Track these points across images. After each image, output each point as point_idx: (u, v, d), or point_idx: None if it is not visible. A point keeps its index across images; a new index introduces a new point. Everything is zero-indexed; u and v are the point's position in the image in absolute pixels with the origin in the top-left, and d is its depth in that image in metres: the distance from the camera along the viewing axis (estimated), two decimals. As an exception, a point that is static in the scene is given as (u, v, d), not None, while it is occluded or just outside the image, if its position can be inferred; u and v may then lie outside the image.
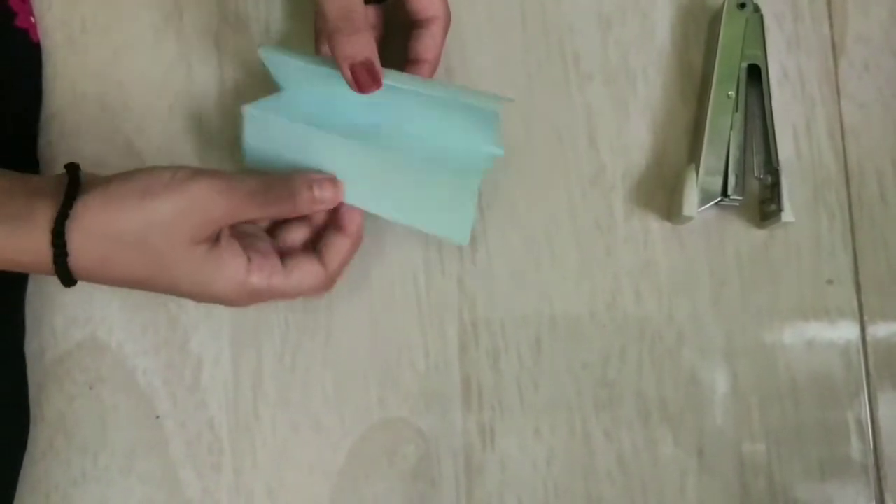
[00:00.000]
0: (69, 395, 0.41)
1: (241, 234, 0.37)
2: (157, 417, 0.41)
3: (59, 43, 0.44)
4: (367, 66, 0.35)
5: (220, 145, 0.43)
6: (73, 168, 0.35)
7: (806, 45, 0.44)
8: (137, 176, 0.34)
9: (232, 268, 0.35)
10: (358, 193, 0.37)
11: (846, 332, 0.42)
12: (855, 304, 0.42)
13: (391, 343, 0.42)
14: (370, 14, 0.39)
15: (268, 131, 0.37)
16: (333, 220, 0.38)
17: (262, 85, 0.43)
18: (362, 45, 0.34)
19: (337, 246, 0.37)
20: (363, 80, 0.35)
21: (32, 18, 0.43)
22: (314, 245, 0.38)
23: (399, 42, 0.40)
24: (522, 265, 0.42)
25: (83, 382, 0.41)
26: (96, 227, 0.33)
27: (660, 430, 0.41)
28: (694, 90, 0.44)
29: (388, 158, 0.36)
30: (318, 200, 0.36)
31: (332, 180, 0.37)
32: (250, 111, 0.37)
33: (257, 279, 0.35)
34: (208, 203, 0.33)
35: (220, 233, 0.35)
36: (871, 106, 0.44)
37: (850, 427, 0.41)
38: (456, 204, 0.36)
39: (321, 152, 0.37)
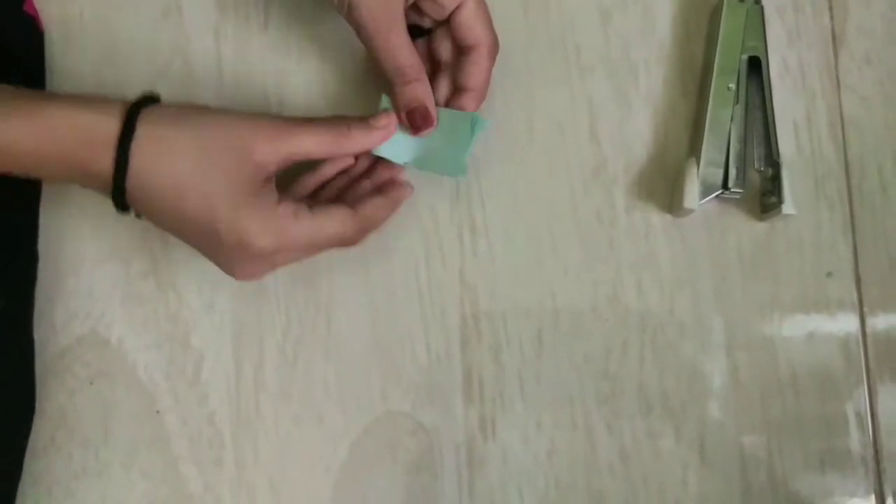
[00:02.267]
0: (70, 390, 0.41)
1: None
2: (158, 412, 0.41)
3: (56, 35, 0.43)
4: (421, 112, 0.38)
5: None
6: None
7: (807, 37, 0.44)
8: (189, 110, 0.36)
9: (264, 195, 0.35)
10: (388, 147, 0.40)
11: (846, 324, 0.42)
12: (855, 296, 0.43)
13: (393, 336, 0.42)
14: (417, 48, 0.40)
15: None
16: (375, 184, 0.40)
17: (260, 79, 0.43)
18: (417, 93, 0.38)
19: (373, 199, 0.38)
20: (417, 123, 0.38)
21: (37, 7, 0.43)
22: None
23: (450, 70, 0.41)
24: (524, 258, 0.42)
25: (84, 377, 0.41)
26: (162, 118, 0.34)
27: (661, 423, 0.41)
28: (695, 83, 0.44)
29: None
30: (373, 127, 0.38)
31: (388, 113, 0.38)
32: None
33: (283, 211, 0.36)
34: (271, 124, 0.35)
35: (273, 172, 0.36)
36: (871, 98, 0.44)
37: (849, 419, 0.41)
38: (454, 140, 0.39)
39: None
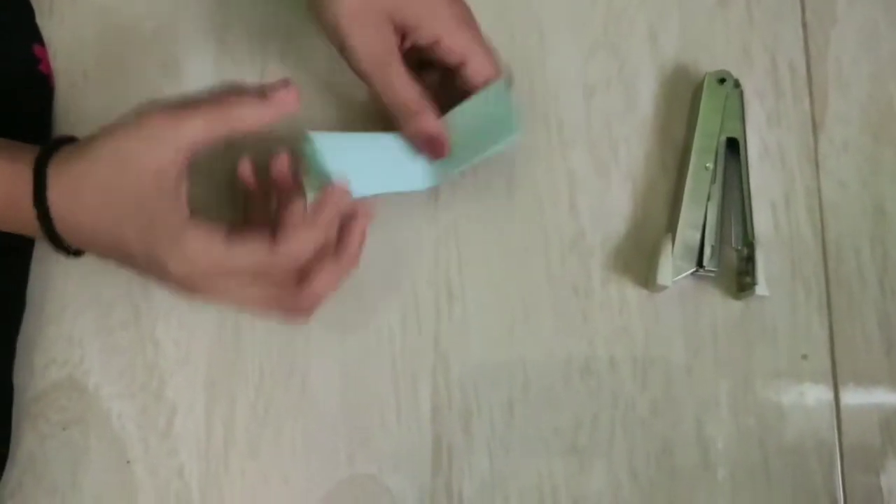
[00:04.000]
0: (42, 435, 0.41)
1: None
2: (129, 462, 0.41)
3: (61, 91, 0.45)
4: (432, 142, 0.38)
5: (211, 175, 0.43)
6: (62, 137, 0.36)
7: (787, 121, 0.45)
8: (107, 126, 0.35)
9: (171, 216, 0.33)
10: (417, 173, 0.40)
11: (820, 406, 0.42)
12: (830, 379, 0.42)
13: (364, 399, 0.42)
14: (430, 78, 0.40)
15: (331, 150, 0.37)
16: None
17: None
18: (422, 126, 0.38)
19: (298, 232, 0.35)
20: (432, 152, 0.39)
21: (51, 64, 0.44)
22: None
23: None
24: (498, 326, 0.43)
25: (57, 423, 0.41)
26: (70, 166, 0.33)
27: (630, 500, 0.41)
28: (675, 160, 0.45)
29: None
30: (271, 102, 0.34)
31: (284, 81, 0.35)
32: (314, 135, 0.37)
33: (193, 233, 0.33)
34: (146, 121, 0.33)
35: (179, 184, 0.34)
36: (849, 183, 0.45)
37: (822, 501, 0.41)
38: (494, 116, 0.39)
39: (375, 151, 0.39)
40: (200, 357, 0.42)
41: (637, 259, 0.43)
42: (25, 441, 0.41)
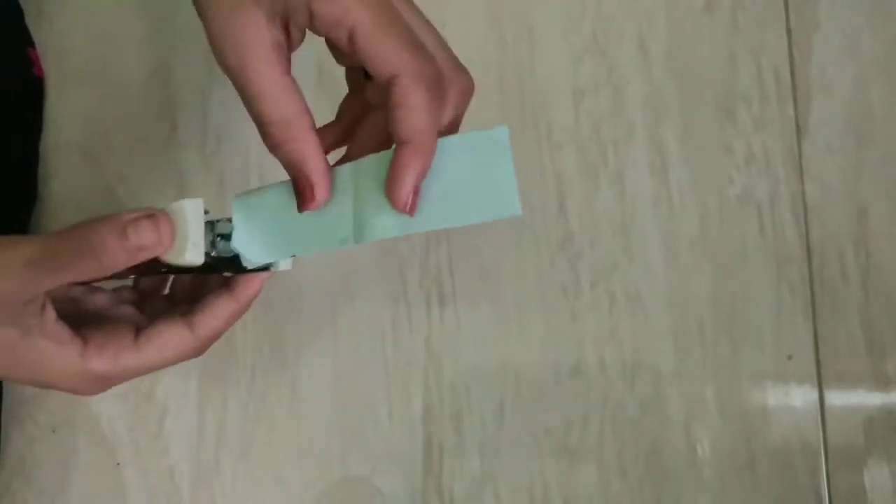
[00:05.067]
0: (31, 438, 0.41)
1: (80, 308, 0.32)
2: (118, 464, 0.41)
3: (51, 90, 0.45)
4: (301, 183, 0.28)
5: (200, 194, 0.44)
6: None
7: (771, 126, 0.46)
8: None
9: (61, 358, 0.28)
10: (385, 222, 0.28)
11: (805, 407, 0.43)
12: (815, 380, 0.43)
13: (356, 400, 0.42)
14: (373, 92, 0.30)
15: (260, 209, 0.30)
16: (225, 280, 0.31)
17: (241, 142, 0.45)
18: (292, 158, 0.28)
19: (216, 308, 0.30)
20: (298, 199, 0.28)
21: (43, 68, 0.44)
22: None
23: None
24: (489, 328, 0.43)
25: (46, 425, 0.41)
26: None
27: (619, 499, 0.41)
28: (662, 162, 0.45)
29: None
30: (135, 247, 0.27)
31: (151, 217, 0.27)
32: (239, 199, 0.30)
33: (98, 364, 0.29)
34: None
35: (34, 312, 0.28)
36: (833, 186, 0.45)
37: (808, 501, 0.41)
38: (490, 176, 0.28)
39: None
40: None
41: (625, 261, 0.44)
42: (14, 443, 0.41)
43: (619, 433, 0.42)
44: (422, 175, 0.27)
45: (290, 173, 0.28)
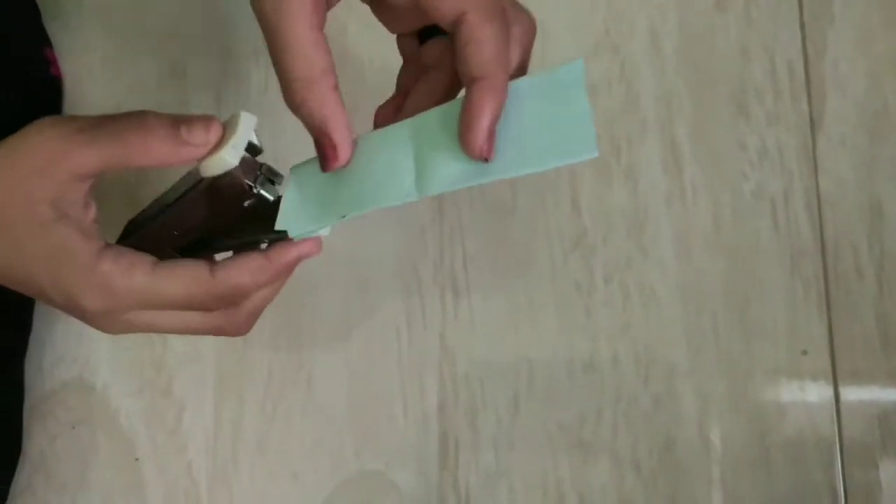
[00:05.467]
0: (51, 435, 0.42)
1: None
2: (137, 460, 0.42)
3: (68, 88, 0.45)
4: (323, 142, 0.28)
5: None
6: None
7: (785, 121, 0.46)
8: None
9: (78, 250, 0.28)
10: (452, 171, 0.27)
11: (820, 402, 0.43)
12: (829, 375, 0.43)
13: (371, 395, 0.42)
14: (431, 51, 0.29)
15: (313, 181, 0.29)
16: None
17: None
18: (315, 117, 0.27)
19: (243, 259, 0.29)
20: (322, 159, 0.28)
21: (60, 67, 0.45)
22: None
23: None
24: (503, 323, 0.43)
25: (66, 422, 0.42)
26: None
27: (633, 493, 0.41)
28: (675, 159, 0.45)
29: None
30: (182, 142, 0.27)
31: (206, 120, 0.28)
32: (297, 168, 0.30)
33: (109, 267, 0.28)
34: (39, 146, 0.27)
35: (76, 204, 0.28)
36: (847, 181, 0.45)
37: (823, 495, 0.41)
38: (564, 116, 0.26)
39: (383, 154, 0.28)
40: (209, 354, 0.42)
41: (639, 257, 0.44)
42: (35, 440, 0.41)
43: (632, 428, 0.42)
44: (497, 116, 0.25)
45: (312, 133, 0.28)
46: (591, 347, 0.43)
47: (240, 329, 0.31)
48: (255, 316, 0.31)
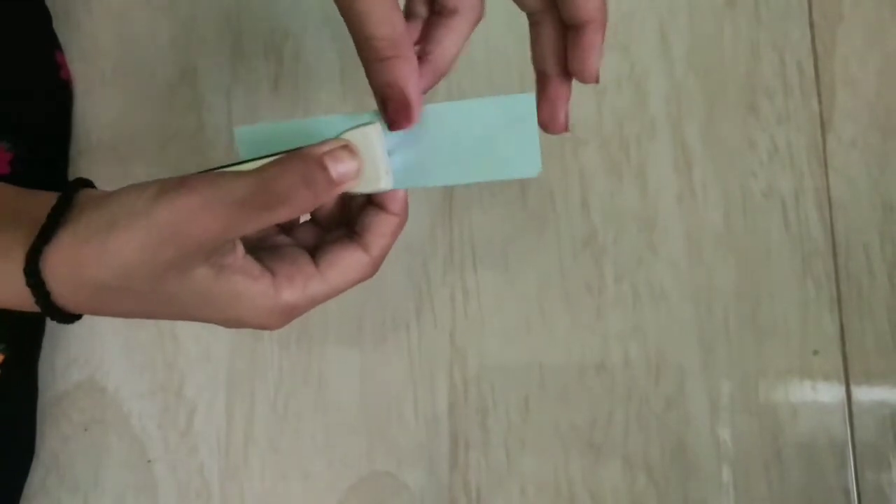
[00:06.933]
0: (64, 436, 0.42)
1: (249, 240, 0.30)
2: (149, 461, 0.42)
3: (79, 91, 0.46)
4: (397, 101, 0.28)
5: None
6: (73, 186, 0.29)
7: (795, 120, 0.46)
8: (106, 203, 0.27)
9: (253, 293, 0.28)
10: (405, 171, 0.30)
11: (832, 402, 0.42)
12: (841, 375, 0.43)
13: (382, 396, 0.42)
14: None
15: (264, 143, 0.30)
16: (369, 197, 0.30)
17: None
18: (391, 76, 0.27)
19: (380, 226, 0.30)
20: (391, 117, 0.28)
21: (71, 71, 0.45)
22: (348, 223, 0.31)
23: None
24: (513, 323, 0.43)
25: (79, 423, 0.42)
26: (67, 271, 0.27)
27: (645, 495, 0.41)
28: (685, 158, 0.45)
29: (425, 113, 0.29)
30: (339, 179, 0.27)
31: (346, 146, 0.27)
32: (241, 129, 0.31)
33: (289, 295, 0.28)
34: (185, 227, 0.26)
35: (227, 251, 0.28)
36: (858, 180, 0.45)
37: (835, 496, 0.41)
38: (515, 133, 0.29)
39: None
40: (220, 354, 0.43)
41: (649, 257, 0.44)
42: (49, 441, 0.42)
43: (644, 429, 0.42)
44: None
45: (386, 93, 0.28)
46: (602, 348, 0.43)
47: (375, 272, 0.31)
48: (383, 258, 0.31)
